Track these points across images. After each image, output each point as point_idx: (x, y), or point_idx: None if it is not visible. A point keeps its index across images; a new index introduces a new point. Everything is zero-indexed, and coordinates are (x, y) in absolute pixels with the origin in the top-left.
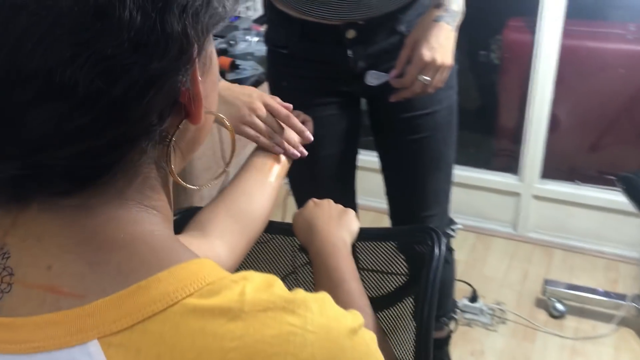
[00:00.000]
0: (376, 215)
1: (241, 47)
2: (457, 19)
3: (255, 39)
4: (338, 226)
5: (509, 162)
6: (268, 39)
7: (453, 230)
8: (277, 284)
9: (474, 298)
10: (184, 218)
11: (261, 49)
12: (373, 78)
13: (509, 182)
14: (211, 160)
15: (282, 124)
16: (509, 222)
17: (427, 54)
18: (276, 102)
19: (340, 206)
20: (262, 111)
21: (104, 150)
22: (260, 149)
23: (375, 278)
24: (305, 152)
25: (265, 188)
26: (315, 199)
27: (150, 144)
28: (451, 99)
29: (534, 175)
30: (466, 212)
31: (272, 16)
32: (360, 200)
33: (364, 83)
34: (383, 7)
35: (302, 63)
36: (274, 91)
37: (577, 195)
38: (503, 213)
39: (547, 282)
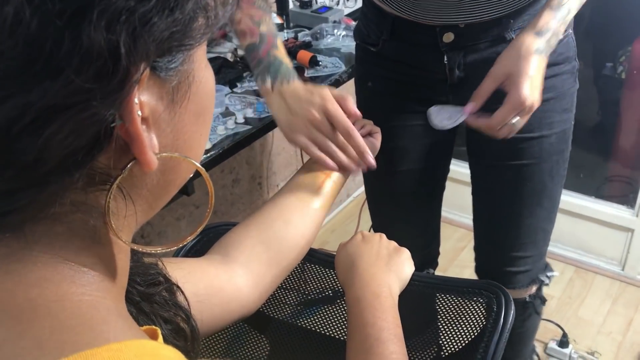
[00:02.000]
0: (465, 232)
1: (327, 42)
2: (549, 51)
3: (344, 33)
4: (386, 270)
5: (624, 191)
6: (358, 33)
7: (548, 277)
8: None
9: (564, 342)
10: (214, 236)
11: (349, 45)
12: (440, 117)
13: (622, 215)
14: (292, 157)
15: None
16: (617, 260)
17: (529, 96)
18: (339, 111)
19: (393, 244)
20: (319, 121)
21: None
22: (313, 162)
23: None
24: (372, 164)
25: (307, 212)
26: (364, 232)
27: (70, 190)
28: (566, 124)
29: None
30: (567, 242)
31: (365, 9)
32: (448, 214)
33: (462, 94)
34: (489, 11)
35: (391, 64)
36: (359, 90)
37: None
38: (611, 249)
39: None
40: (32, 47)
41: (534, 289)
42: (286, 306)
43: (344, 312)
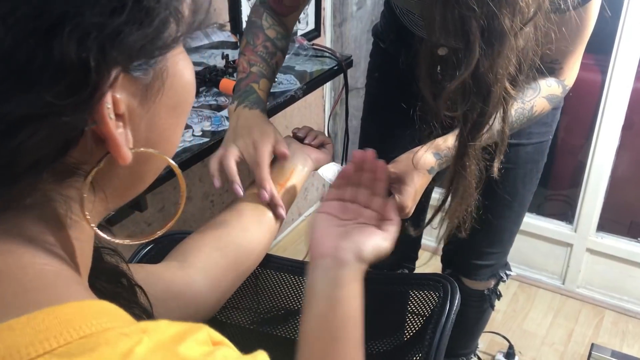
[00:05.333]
0: None
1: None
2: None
3: (297, 52)
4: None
5: (562, 209)
6: (374, 29)
7: (507, 275)
8: (191, 340)
9: (510, 354)
10: (168, 244)
11: (303, 64)
12: (328, 171)
13: (561, 230)
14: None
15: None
16: (557, 275)
17: (410, 208)
18: (261, 158)
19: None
20: (245, 153)
21: None
22: (269, 170)
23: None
24: (282, 216)
25: (264, 220)
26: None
27: (42, 183)
28: (544, 137)
29: (590, 226)
30: (511, 258)
31: (384, 8)
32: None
33: None
34: None
35: (395, 61)
36: (368, 79)
37: (637, 254)
38: (551, 264)
39: (594, 346)
40: (5, 63)
41: (492, 283)
42: (241, 311)
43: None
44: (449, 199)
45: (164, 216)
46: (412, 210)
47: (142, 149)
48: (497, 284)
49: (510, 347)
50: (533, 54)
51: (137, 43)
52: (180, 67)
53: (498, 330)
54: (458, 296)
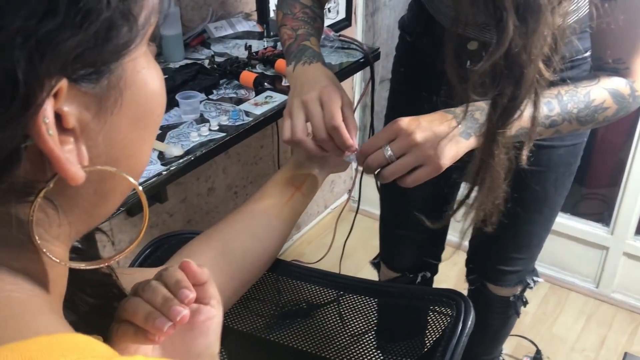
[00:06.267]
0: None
1: None
2: (474, 129)
3: (324, 43)
4: None
5: (599, 209)
6: (401, 22)
7: (534, 281)
8: None
9: (537, 359)
10: (175, 244)
11: (328, 56)
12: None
13: (597, 233)
14: (269, 166)
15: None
16: (591, 278)
17: (406, 124)
18: (332, 103)
19: None
20: (310, 104)
21: None
22: (285, 172)
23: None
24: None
25: (273, 226)
26: None
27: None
28: (578, 139)
29: (628, 229)
30: (543, 259)
31: (412, 0)
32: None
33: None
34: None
35: (421, 55)
36: (393, 74)
37: None
38: (585, 266)
39: (627, 355)
40: None
41: (518, 289)
42: (257, 317)
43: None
44: (476, 190)
45: (186, 208)
46: (421, 138)
47: (98, 167)
48: (523, 291)
49: (538, 352)
50: (570, 32)
51: (74, 50)
52: (142, 76)
53: (525, 333)
54: (472, 316)
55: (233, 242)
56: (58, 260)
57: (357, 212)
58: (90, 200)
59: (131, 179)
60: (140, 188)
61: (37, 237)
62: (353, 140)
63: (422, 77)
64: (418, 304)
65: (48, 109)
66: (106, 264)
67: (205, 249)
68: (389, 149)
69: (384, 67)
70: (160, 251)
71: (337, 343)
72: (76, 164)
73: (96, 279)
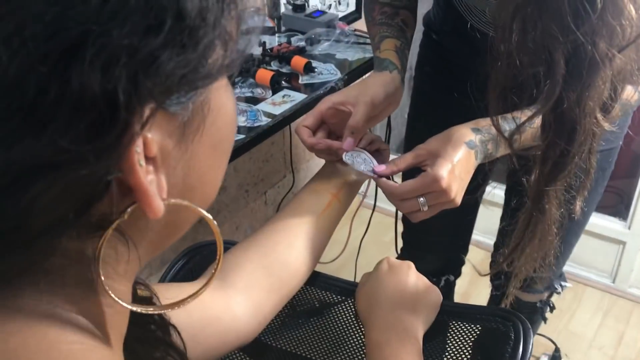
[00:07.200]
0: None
1: (322, 47)
2: (484, 158)
3: (338, 38)
4: (413, 312)
5: (615, 203)
6: (427, 19)
7: (562, 286)
8: None
9: (555, 357)
10: (208, 254)
11: (344, 51)
12: (354, 160)
13: (613, 227)
14: (280, 164)
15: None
16: (607, 272)
17: (445, 178)
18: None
19: (423, 279)
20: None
21: None
22: (319, 179)
23: None
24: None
25: (311, 236)
26: (391, 260)
27: (62, 242)
28: (613, 143)
29: None
30: None
31: None
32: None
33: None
34: None
35: (447, 54)
36: (417, 73)
37: None
38: (601, 261)
39: None
40: (9, 98)
41: (545, 295)
42: (285, 333)
43: (349, 341)
44: (522, 244)
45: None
46: (459, 195)
47: (176, 201)
48: (550, 296)
49: (557, 349)
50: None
51: (178, 72)
52: (224, 100)
53: (543, 331)
54: (532, 341)
55: (271, 254)
56: (126, 305)
57: (373, 210)
58: (160, 233)
59: (204, 213)
60: (215, 223)
61: (109, 275)
62: (345, 140)
63: (449, 78)
64: (465, 325)
65: (140, 138)
66: (178, 307)
67: (243, 261)
68: (425, 202)
69: None
70: (192, 262)
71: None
72: (157, 197)
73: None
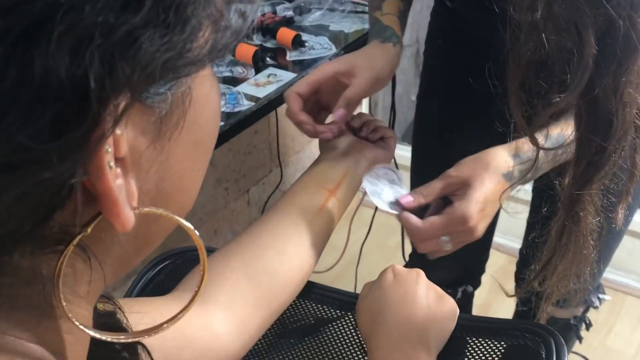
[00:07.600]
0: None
1: (313, 18)
2: (519, 185)
3: (332, 7)
4: (423, 329)
5: None
6: None
7: (600, 300)
8: None
9: None
10: (182, 264)
11: (339, 22)
12: (375, 187)
13: None
14: (265, 157)
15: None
16: None
17: (474, 219)
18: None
19: (434, 289)
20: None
21: None
22: (313, 174)
23: None
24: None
25: (305, 241)
26: (397, 268)
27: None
28: None
29: None
30: None
31: None
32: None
33: None
34: None
35: (463, 24)
36: (428, 47)
37: None
38: None
39: None
40: None
41: (580, 310)
42: (275, 354)
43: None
44: (555, 259)
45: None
46: (482, 230)
47: (149, 209)
48: (586, 311)
49: None
50: None
51: (160, 56)
52: (207, 91)
53: (576, 348)
54: (566, 356)
55: (258, 262)
56: (91, 332)
57: (376, 210)
58: (129, 247)
59: (184, 222)
60: (197, 233)
61: (62, 298)
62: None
63: (466, 53)
64: (489, 338)
65: (105, 143)
66: (154, 333)
67: (224, 270)
68: (448, 240)
69: (408, 36)
70: (163, 274)
71: None
72: (127, 205)
73: (99, 322)
